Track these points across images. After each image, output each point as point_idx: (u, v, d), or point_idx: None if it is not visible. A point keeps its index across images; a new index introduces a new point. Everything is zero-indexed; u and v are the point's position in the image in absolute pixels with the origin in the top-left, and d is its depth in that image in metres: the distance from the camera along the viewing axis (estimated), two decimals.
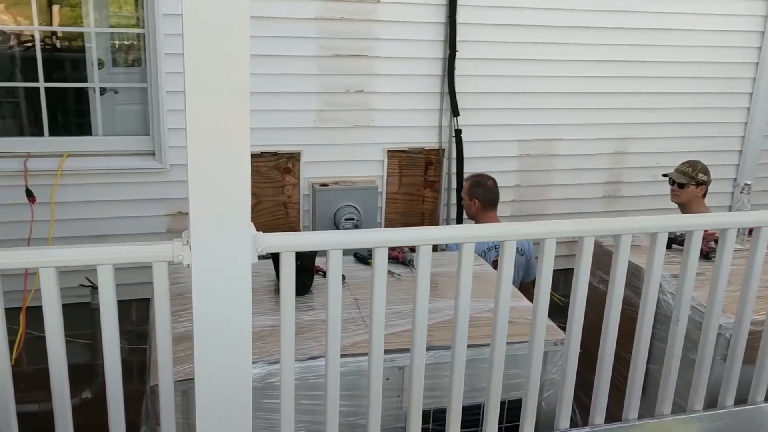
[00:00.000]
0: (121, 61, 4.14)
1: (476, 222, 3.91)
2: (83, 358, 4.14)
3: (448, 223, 4.47)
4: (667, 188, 3.85)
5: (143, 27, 3.80)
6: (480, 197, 3.82)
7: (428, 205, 4.45)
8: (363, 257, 2.97)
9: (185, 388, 2.06)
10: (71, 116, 4.05)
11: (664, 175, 3.87)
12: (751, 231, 2.48)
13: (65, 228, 3.83)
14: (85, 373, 4.08)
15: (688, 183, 3.73)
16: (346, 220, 4.10)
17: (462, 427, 2.17)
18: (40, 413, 3.66)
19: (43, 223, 3.71)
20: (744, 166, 4.95)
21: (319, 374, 2.13)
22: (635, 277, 2.66)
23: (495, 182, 3.87)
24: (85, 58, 3.88)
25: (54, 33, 3.99)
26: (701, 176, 3.74)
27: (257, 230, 1.74)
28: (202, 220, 1.59)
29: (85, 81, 3.89)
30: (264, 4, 3.81)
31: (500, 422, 2.27)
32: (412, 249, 3.07)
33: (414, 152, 4.32)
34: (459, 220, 4.41)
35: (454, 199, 4.41)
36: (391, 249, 3.03)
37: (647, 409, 2.41)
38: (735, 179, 4.99)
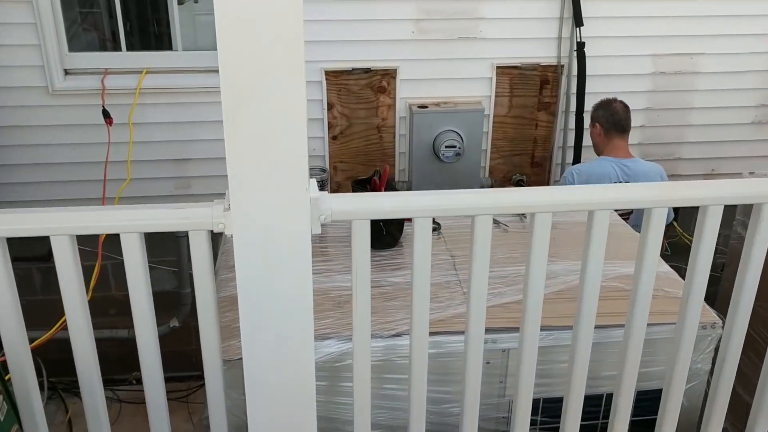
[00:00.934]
0: None
1: (599, 152, 3.34)
2: (171, 285, 3.99)
3: (563, 152, 3.91)
4: None
5: None
6: (603, 121, 3.24)
7: (542, 130, 3.89)
8: None
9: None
10: (149, 29, 3.72)
11: None
12: None
13: (144, 150, 3.58)
14: (172, 301, 3.94)
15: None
16: (446, 147, 3.63)
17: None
18: (131, 339, 3.58)
19: (122, 146, 3.47)
20: None
21: (405, 355, 1.74)
22: None
23: (623, 105, 3.28)
24: None
25: None
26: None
27: (323, 188, 1.33)
28: (243, 176, 1.19)
29: None
30: None
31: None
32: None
33: (528, 69, 3.73)
34: (577, 149, 3.83)
35: (572, 124, 3.82)
36: None
37: None
38: None
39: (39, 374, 3.55)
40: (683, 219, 3.75)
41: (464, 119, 3.70)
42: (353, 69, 3.61)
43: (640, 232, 1.52)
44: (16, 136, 3.50)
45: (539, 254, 1.44)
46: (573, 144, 3.85)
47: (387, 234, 2.16)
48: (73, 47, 3.48)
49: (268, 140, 1.18)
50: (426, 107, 3.69)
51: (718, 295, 2.70)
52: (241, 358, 1.36)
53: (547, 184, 3.99)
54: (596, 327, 1.64)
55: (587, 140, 3.81)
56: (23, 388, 1.47)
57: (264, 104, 1.17)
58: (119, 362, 3.55)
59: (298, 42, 1.17)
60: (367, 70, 3.62)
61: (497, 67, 3.70)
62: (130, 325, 1.55)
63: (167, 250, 3.82)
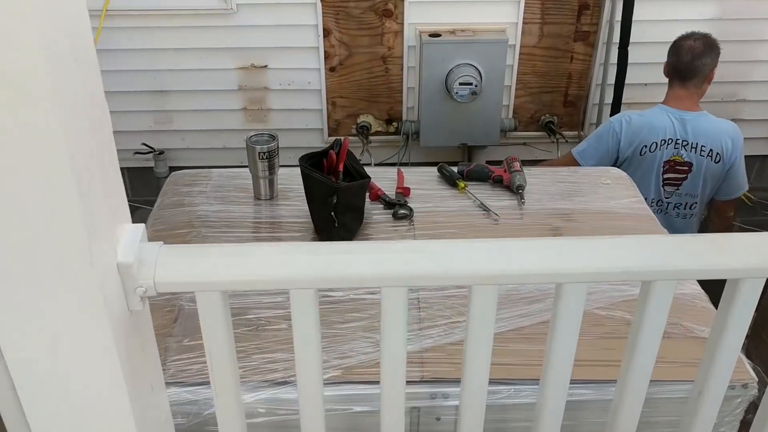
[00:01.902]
0: None
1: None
2: None
3: (602, 91, 3.32)
4: None
5: None
6: (667, 62, 2.59)
7: (578, 64, 3.30)
8: (451, 174, 2.04)
9: None
10: None
11: None
12: None
13: (117, 81, 3.17)
14: None
15: None
16: (461, 84, 3.09)
17: None
18: None
19: None
20: None
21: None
22: None
23: (696, 45, 2.51)
24: None
25: None
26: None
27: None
28: None
29: None
30: None
31: None
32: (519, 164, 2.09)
33: None
34: (619, 88, 3.24)
35: (614, 58, 3.21)
36: (492, 164, 2.08)
37: None
38: None
39: None
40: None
41: (484, 51, 3.13)
42: None
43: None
44: None
45: (484, 332, 0.98)
46: (614, 82, 3.25)
47: (340, 226, 1.73)
48: None
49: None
50: (439, 35, 3.14)
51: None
52: None
53: (582, 126, 3.44)
54: (573, 383, 1.19)
55: (632, 77, 3.22)
56: None
57: None
58: None
59: None
60: None
61: None
62: None
63: (147, 189, 3.47)
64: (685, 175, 2.57)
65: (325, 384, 1.04)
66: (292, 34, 3.15)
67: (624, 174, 2.10)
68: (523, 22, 3.17)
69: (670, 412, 1.37)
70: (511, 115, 3.41)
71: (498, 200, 1.96)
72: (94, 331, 0.83)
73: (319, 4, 3.07)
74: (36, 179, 0.73)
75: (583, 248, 0.95)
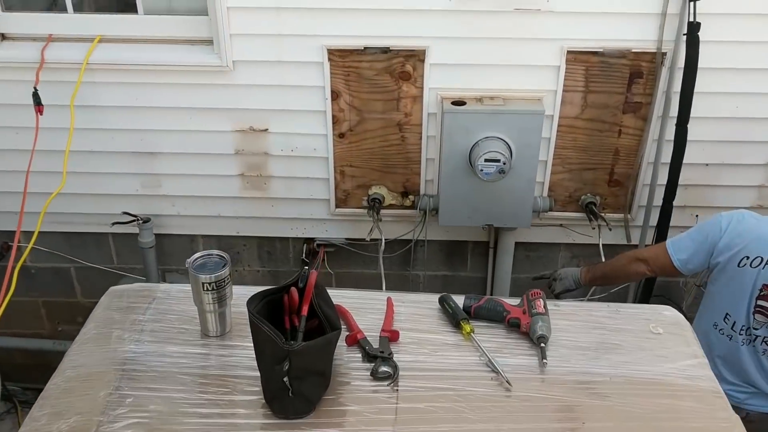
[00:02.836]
0: None
1: None
2: None
3: (655, 170, 2.84)
4: None
5: None
6: None
7: (627, 139, 2.82)
8: (454, 311, 1.58)
9: None
10: None
11: None
12: None
13: (99, 140, 2.82)
14: None
15: None
16: (486, 161, 2.64)
17: None
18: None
19: (81, 132, 2.71)
20: None
21: None
22: None
23: None
24: None
25: None
26: None
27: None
28: None
29: None
30: None
31: None
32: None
33: (612, 55, 2.65)
34: (675, 169, 2.75)
35: (670, 134, 2.73)
36: (503, 309, 1.61)
37: None
38: None
39: None
40: None
41: (516, 122, 2.69)
42: (366, 48, 2.65)
43: None
44: None
45: None
46: (670, 161, 2.76)
47: (296, 395, 1.30)
48: (9, 4, 2.71)
49: None
50: (463, 103, 2.70)
51: None
52: None
53: (629, 208, 2.95)
54: None
55: (691, 156, 2.74)
56: None
57: None
58: None
59: None
60: (386, 50, 2.65)
61: (568, 52, 2.63)
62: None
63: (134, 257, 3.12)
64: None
65: None
66: (296, 96, 2.76)
67: (681, 319, 1.62)
68: (564, 90, 2.71)
69: None
70: (546, 193, 2.94)
71: (512, 355, 1.50)
72: None
73: (327, 64, 2.67)
74: None
75: None
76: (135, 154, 2.89)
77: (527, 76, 2.69)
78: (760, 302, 2.05)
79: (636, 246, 2.98)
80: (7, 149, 2.84)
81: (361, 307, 1.64)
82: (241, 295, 1.53)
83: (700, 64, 2.57)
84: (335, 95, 2.74)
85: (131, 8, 2.70)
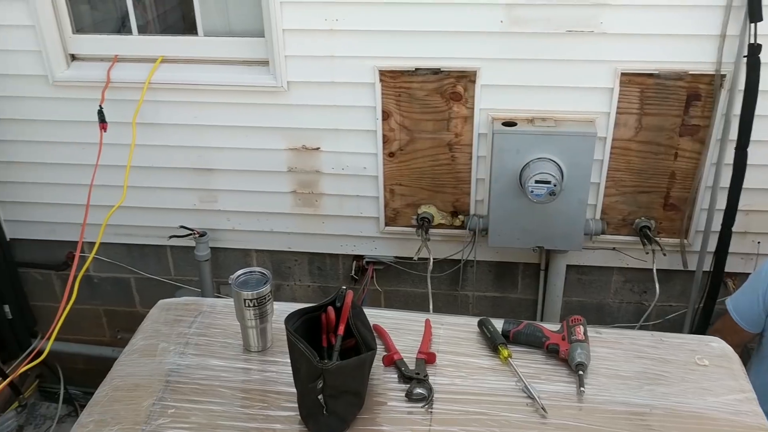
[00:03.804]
0: None
1: None
2: None
3: (713, 195, 2.76)
4: None
5: None
6: None
7: (684, 162, 2.76)
8: (493, 335, 1.58)
9: None
10: (164, 5, 3.01)
11: None
12: None
13: (159, 156, 2.94)
14: None
15: None
16: (537, 182, 2.62)
17: None
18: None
19: (141, 148, 2.84)
20: None
21: None
22: None
23: None
24: None
25: None
26: None
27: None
28: None
29: None
30: None
31: None
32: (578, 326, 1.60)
33: (669, 77, 2.60)
34: (734, 193, 2.67)
35: (729, 158, 2.65)
36: (540, 335, 1.59)
37: None
38: None
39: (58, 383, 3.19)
40: None
41: (568, 143, 2.66)
42: (418, 69, 2.67)
43: None
44: (16, 131, 2.98)
45: None
46: (729, 185, 2.68)
47: (330, 413, 1.32)
48: (79, 27, 2.86)
49: None
50: (514, 124, 2.69)
51: None
52: None
53: (686, 233, 2.87)
54: None
55: (752, 181, 2.65)
56: None
57: None
58: None
59: None
60: (437, 71, 2.67)
61: (622, 74, 2.60)
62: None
63: (190, 270, 3.22)
64: None
65: None
66: (347, 116, 2.81)
67: (729, 351, 1.57)
68: (618, 112, 2.67)
69: None
70: (598, 216, 2.90)
71: (550, 381, 1.48)
72: None
73: (379, 85, 2.71)
74: None
75: None
76: (193, 170, 2.99)
77: (580, 97, 2.67)
78: None
79: (693, 272, 2.90)
80: (73, 164, 2.98)
81: (400, 327, 1.65)
82: (283, 311, 1.56)
83: (761, 87, 2.50)
84: (386, 115, 2.78)
85: (192, 29, 2.80)
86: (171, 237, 3.02)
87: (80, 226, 2.70)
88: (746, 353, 2.28)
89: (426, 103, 2.74)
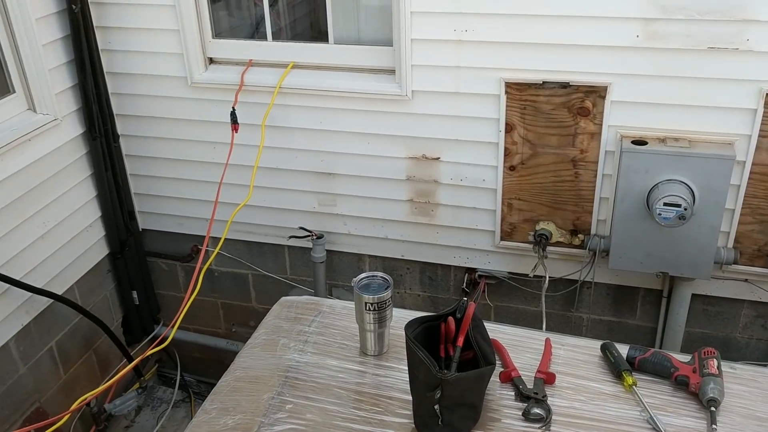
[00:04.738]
0: None
1: None
2: None
3: None
4: None
5: None
6: None
7: None
8: (617, 361, 1.52)
9: None
10: (297, 13, 3.11)
11: None
12: None
13: (284, 158, 3.04)
14: None
15: None
16: (666, 205, 2.50)
17: None
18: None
19: (267, 150, 2.96)
20: None
21: None
22: None
23: None
24: None
25: None
26: None
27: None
28: None
29: None
30: None
31: None
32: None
33: None
34: None
35: None
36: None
37: None
38: None
39: (175, 369, 3.36)
40: None
41: (701, 166, 2.52)
42: (545, 82, 2.62)
43: None
44: (154, 128, 3.16)
45: None
46: None
47: (445, 424, 1.31)
48: (217, 32, 3.01)
49: None
50: (644, 143, 2.59)
51: None
52: None
53: None
54: None
55: None
56: None
57: None
58: None
59: None
60: (565, 85, 2.61)
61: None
62: None
63: (304, 269, 3.31)
64: None
65: None
66: (470, 127, 2.79)
67: None
68: (760, 135, 2.51)
69: None
70: (731, 244, 2.73)
71: (677, 415, 1.40)
72: None
73: (504, 97, 2.68)
74: None
75: None
76: (315, 173, 3.07)
77: (717, 118, 2.52)
78: None
79: None
80: (205, 161, 3.13)
81: (518, 344, 1.62)
82: (401, 318, 1.57)
83: None
84: (509, 128, 2.74)
85: (323, 37, 2.88)
86: (290, 237, 3.11)
87: (206, 221, 2.83)
88: None
89: (551, 118, 2.68)
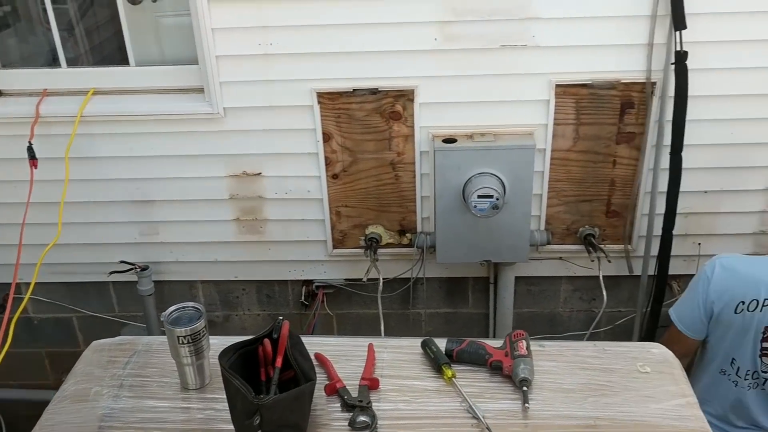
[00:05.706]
0: None
1: None
2: None
3: (653, 199, 2.80)
4: None
5: None
6: None
7: (622, 169, 2.80)
8: (436, 355, 1.56)
9: None
10: (95, 38, 2.94)
11: None
12: None
13: (97, 190, 2.85)
14: None
15: None
16: (480, 197, 2.62)
17: None
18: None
19: (76, 183, 2.75)
20: None
21: None
22: None
23: None
24: None
25: None
26: None
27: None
28: None
29: None
30: None
31: None
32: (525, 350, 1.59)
33: (602, 87, 2.64)
34: (672, 197, 2.72)
35: (666, 163, 2.70)
36: (481, 352, 1.58)
37: None
38: None
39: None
40: None
41: (507, 157, 2.68)
42: (355, 89, 2.66)
43: None
44: None
45: None
46: (667, 190, 2.73)
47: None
48: (7, 61, 2.78)
49: None
50: (454, 140, 2.70)
51: None
52: None
53: (629, 239, 2.91)
54: None
55: (689, 184, 2.71)
56: None
57: None
58: None
59: None
60: (375, 91, 2.67)
61: (557, 86, 2.63)
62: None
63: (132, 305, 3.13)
64: None
65: None
66: (288, 140, 2.77)
67: (670, 356, 1.58)
68: (555, 123, 2.70)
69: None
70: (543, 226, 2.92)
71: (495, 399, 1.47)
72: None
73: (317, 107, 2.69)
74: None
75: None
76: (132, 202, 2.91)
77: (517, 111, 2.69)
78: (765, 344, 1.99)
79: (638, 277, 2.94)
80: (4, 203, 2.87)
81: (344, 354, 1.62)
82: (221, 345, 1.52)
83: (690, 92, 2.56)
84: (327, 137, 2.76)
85: (124, 60, 2.74)
86: (111, 273, 2.93)
87: (14, 267, 2.59)
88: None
89: (366, 124, 2.73)
